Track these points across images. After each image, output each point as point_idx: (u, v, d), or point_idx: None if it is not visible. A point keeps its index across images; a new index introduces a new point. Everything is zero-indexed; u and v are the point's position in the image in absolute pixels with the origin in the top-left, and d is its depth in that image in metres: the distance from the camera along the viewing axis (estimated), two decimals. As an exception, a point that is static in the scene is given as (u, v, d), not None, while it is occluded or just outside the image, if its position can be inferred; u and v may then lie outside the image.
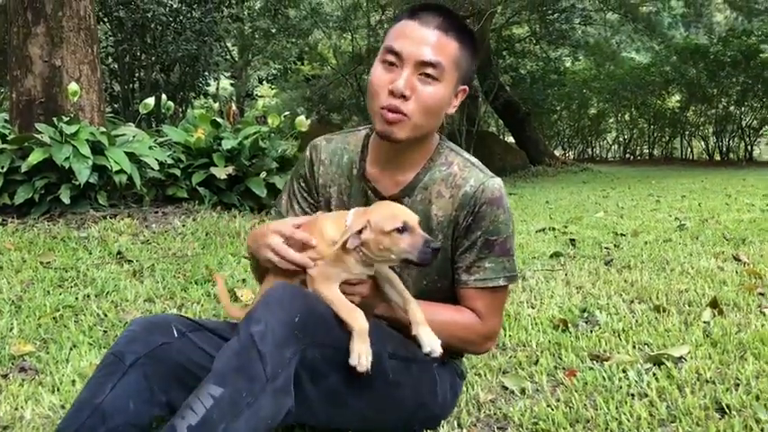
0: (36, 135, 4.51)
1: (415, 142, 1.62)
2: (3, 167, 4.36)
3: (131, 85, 11.02)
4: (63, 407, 1.91)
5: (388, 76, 1.56)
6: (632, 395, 1.88)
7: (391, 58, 1.55)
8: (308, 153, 1.80)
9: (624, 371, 2.05)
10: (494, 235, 1.62)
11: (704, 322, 2.54)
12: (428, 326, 1.54)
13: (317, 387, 1.44)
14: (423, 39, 1.54)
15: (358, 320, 1.44)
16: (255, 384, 1.30)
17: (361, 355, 1.42)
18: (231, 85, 20.00)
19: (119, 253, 3.69)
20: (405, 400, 1.60)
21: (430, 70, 1.53)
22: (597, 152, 23.60)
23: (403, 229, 1.45)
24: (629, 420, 1.72)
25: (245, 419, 1.28)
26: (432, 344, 1.51)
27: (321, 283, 1.49)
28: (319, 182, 1.76)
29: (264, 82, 17.40)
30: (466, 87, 1.64)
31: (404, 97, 1.54)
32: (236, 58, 17.77)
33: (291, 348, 1.35)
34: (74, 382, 2.09)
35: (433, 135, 1.68)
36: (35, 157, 4.31)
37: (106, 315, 2.77)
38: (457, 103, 1.64)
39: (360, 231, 1.46)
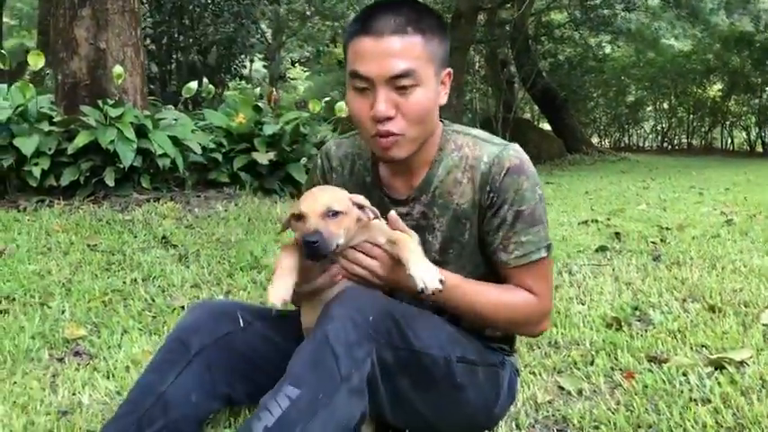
0: (82, 118, 4.55)
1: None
2: (50, 149, 4.42)
3: (169, 67, 11.10)
4: (119, 393, 1.93)
5: (365, 102, 1.46)
6: (695, 400, 1.83)
7: (361, 83, 1.46)
8: (319, 161, 1.74)
9: (684, 374, 1.99)
10: (522, 204, 1.52)
11: (763, 325, 2.47)
12: (424, 262, 1.39)
13: (386, 388, 1.42)
14: (384, 52, 1.42)
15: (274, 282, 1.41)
16: (330, 384, 1.28)
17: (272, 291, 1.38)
18: (264, 67, 20.05)
19: (163, 237, 3.72)
20: (469, 403, 1.57)
21: (404, 81, 1.42)
22: (634, 140, 23.19)
23: (299, 218, 1.41)
24: (693, 428, 1.67)
25: (321, 421, 1.26)
26: (425, 279, 1.35)
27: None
28: None
29: (297, 64, 17.37)
30: (449, 70, 1.53)
31: (389, 118, 1.45)
32: (270, 41, 17.79)
33: (365, 348, 1.33)
34: (127, 368, 2.11)
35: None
36: (81, 139, 4.36)
37: (154, 300, 2.79)
38: (446, 89, 1.53)
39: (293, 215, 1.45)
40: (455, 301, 1.52)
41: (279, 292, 1.37)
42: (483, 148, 1.56)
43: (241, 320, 1.61)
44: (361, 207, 1.46)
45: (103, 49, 5.05)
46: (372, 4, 1.48)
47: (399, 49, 1.42)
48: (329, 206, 1.40)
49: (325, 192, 1.45)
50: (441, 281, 1.36)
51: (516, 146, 1.57)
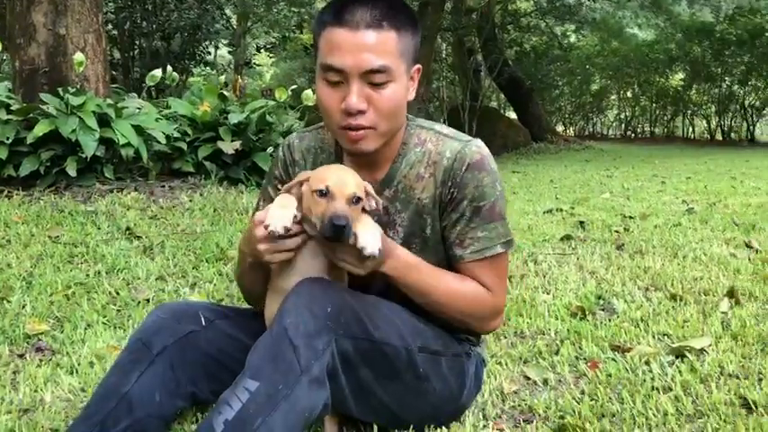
0: (41, 106, 4.44)
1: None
2: (8, 138, 4.29)
3: (131, 53, 10.89)
4: (83, 390, 1.90)
5: (336, 94, 1.45)
6: (657, 389, 1.87)
7: (333, 76, 1.44)
8: (281, 154, 1.72)
9: (647, 363, 2.04)
10: (481, 201, 1.53)
11: (722, 313, 2.53)
12: (374, 229, 1.41)
13: (348, 379, 1.42)
14: (359, 46, 1.40)
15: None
16: (290, 376, 1.28)
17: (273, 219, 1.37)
18: (229, 53, 19.77)
19: (127, 228, 3.66)
20: (433, 393, 1.58)
21: (378, 77, 1.42)
22: (598, 129, 23.52)
23: (323, 194, 1.37)
24: (655, 416, 1.71)
25: (283, 412, 1.26)
26: (367, 241, 1.37)
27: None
28: None
29: (262, 50, 17.15)
30: (419, 66, 1.54)
31: (361, 112, 1.44)
32: (235, 26, 17.56)
33: (323, 339, 1.34)
34: (91, 363, 2.07)
35: None
36: (41, 128, 4.24)
37: (118, 293, 2.75)
38: (414, 85, 1.54)
39: (302, 183, 1.43)
40: (412, 282, 1.51)
41: (280, 220, 1.36)
42: (446, 144, 1.57)
43: (203, 319, 1.60)
44: (367, 194, 1.46)
45: (63, 35, 4.92)
46: None
47: (374, 44, 1.41)
48: (356, 192, 1.39)
49: (350, 175, 1.42)
50: (380, 250, 1.38)
51: (479, 141, 1.58)
